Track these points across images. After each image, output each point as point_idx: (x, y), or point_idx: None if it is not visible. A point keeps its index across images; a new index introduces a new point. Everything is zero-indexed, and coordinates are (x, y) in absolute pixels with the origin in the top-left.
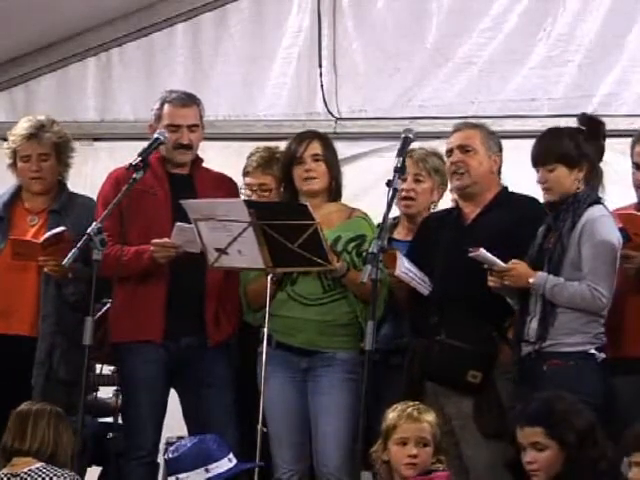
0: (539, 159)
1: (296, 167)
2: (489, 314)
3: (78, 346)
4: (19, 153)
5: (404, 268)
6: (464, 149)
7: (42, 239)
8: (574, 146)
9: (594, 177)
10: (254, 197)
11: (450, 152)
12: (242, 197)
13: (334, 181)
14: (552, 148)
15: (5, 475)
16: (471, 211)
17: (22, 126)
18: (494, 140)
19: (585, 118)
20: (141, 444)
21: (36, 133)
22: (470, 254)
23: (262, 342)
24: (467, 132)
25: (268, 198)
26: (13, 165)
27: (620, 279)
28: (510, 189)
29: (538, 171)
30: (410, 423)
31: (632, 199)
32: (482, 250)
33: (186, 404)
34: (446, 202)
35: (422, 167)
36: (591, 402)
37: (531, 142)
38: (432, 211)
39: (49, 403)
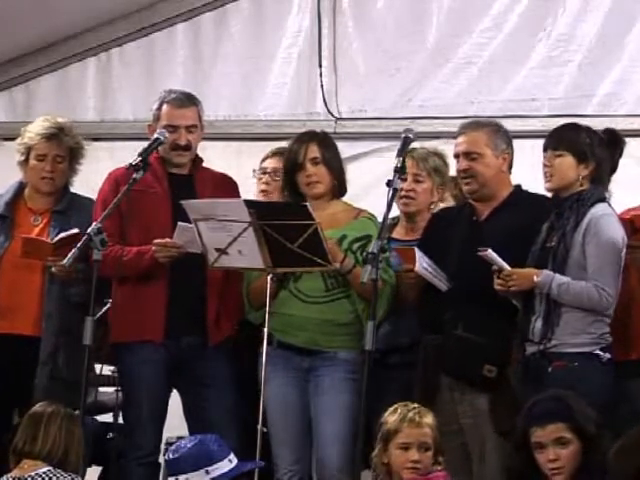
0: (551, 142)
1: (298, 173)
2: (504, 309)
3: (82, 346)
4: (35, 151)
5: (425, 264)
6: (469, 156)
7: (55, 239)
8: (588, 143)
9: (599, 182)
10: (265, 180)
11: (457, 157)
12: (255, 181)
13: (337, 180)
14: (567, 136)
15: (13, 478)
16: (485, 208)
17: (42, 125)
18: (501, 137)
19: (608, 130)
20: (141, 444)
21: (57, 134)
22: (479, 253)
23: (263, 342)
24: (471, 136)
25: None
26: (25, 162)
27: (628, 277)
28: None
29: (546, 155)
30: (412, 428)
31: (632, 199)
32: (490, 251)
33: (187, 404)
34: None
35: (422, 167)
36: (596, 403)
37: (531, 142)
38: (434, 210)
39: (63, 405)
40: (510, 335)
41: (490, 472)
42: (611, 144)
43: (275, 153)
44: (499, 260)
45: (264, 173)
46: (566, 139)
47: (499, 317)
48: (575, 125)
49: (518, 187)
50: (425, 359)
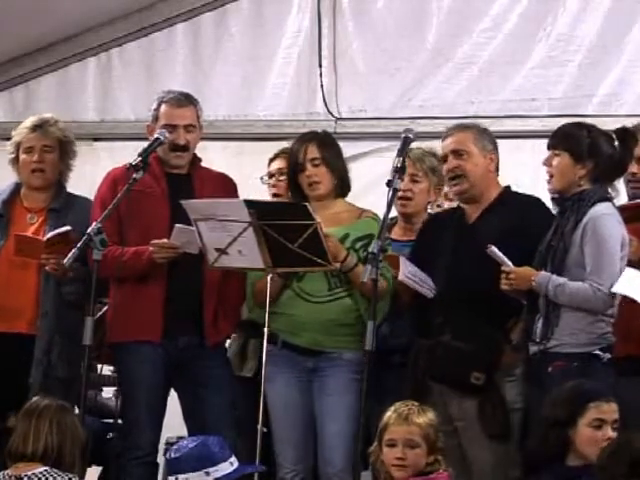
0: (551, 141)
1: (300, 174)
2: (493, 315)
3: (76, 344)
4: (23, 145)
5: (407, 272)
6: (458, 154)
7: (47, 237)
8: (588, 143)
9: (604, 181)
10: (273, 183)
11: (445, 158)
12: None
13: (339, 179)
14: (565, 135)
15: (9, 477)
16: (474, 211)
17: (27, 121)
18: (487, 139)
19: (622, 128)
20: (140, 444)
21: (41, 125)
22: (487, 249)
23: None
24: (459, 136)
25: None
26: (15, 159)
27: None
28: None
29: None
30: (398, 425)
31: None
32: (493, 248)
33: (185, 404)
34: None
35: (419, 167)
36: None
37: (531, 142)
38: (430, 211)
39: (54, 399)
40: (499, 340)
41: (481, 473)
42: (621, 142)
43: (278, 154)
44: (501, 257)
45: (271, 177)
46: (564, 138)
47: (488, 322)
48: (577, 124)
49: (507, 188)
50: (415, 362)
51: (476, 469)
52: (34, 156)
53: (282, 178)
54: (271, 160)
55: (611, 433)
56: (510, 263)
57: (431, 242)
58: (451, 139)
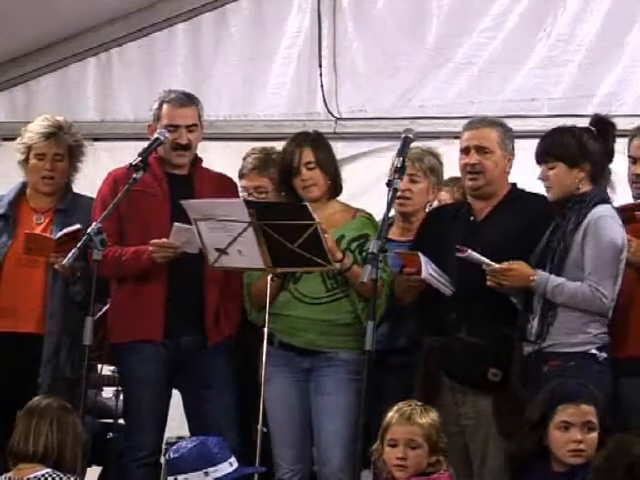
0: (540, 156)
1: (294, 177)
2: (505, 311)
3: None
4: (34, 150)
5: (431, 270)
6: (482, 150)
7: (58, 235)
8: (575, 145)
9: (599, 177)
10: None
11: (466, 150)
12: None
13: (332, 181)
14: (553, 146)
15: (11, 479)
16: (482, 207)
17: (41, 124)
18: (509, 139)
19: (595, 119)
20: (142, 444)
21: (55, 133)
22: (458, 254)
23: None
24: (485, 131)
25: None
26: (25, 161)
27: (627, 276)
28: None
29: (541, 170)
30: (400, 425)
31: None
32: (470, 251)
33: (187, 404)
34: None
35: (418, 167)
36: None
37: (531, 142)
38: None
39: (56, 398)
40: (513, 336)
41: (492, 473)
42: (601, 133)
43: (252, 170)
44: (481, 259)
45: (247, 193)
46: (553, 149)
47: (502, 318)
48: (558, 130)
49: (514, 185)
50: (427, 360)
51: (487, 468)
52: (46, 164)
53: (261, 195)
54: (242, 174)
55: (580, 436)
56: (491, 262)
57: (435, 236)
58: (476, 132)
